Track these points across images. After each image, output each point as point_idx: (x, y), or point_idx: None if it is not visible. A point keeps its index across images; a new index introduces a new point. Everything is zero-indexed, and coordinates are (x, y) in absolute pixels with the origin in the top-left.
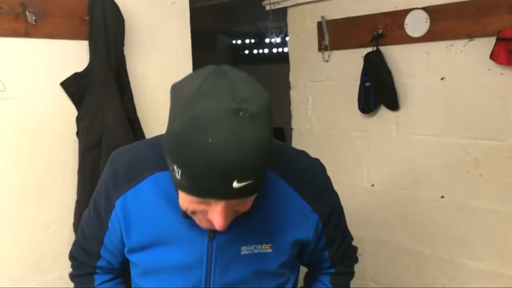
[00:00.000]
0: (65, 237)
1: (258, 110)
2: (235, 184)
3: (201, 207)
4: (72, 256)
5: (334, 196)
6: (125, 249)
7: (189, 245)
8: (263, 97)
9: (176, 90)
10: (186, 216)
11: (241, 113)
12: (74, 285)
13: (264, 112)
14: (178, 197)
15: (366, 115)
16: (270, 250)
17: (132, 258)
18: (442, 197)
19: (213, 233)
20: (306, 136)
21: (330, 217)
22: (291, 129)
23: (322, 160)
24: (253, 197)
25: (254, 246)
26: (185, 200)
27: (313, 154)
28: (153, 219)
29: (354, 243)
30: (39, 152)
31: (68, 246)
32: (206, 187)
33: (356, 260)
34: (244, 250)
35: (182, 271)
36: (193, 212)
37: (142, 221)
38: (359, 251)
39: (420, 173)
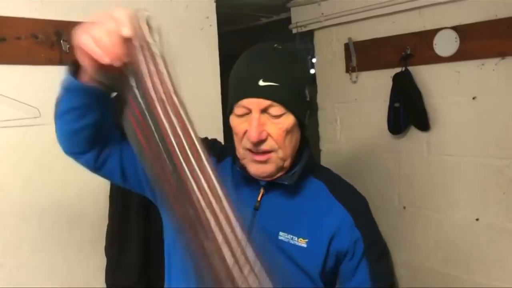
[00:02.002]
0: (97, 261)
1: (292, 51)
2: (261, 82)
3: (245, 123)
4: None
5: (380, 234)
6: None
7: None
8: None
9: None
10: (243, 169)
11: (275, 45)
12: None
13: (298, 57)
14: (238, 168)
15: (396, 136)
16: (306, 246)
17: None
18: (477, 219)
19: (259, 203)
20: (334, 158)
21: (373, 244)
22: (319, 150)
23: (351, 182)
24: (281, 117)
25: (291, 236)
26: (235, 118)
27: (342, 176)
28: None
29: None
30: (73, 177)
31: (100, 270)
32: (242, 89)
33: None
34: (282, 236)
35: None
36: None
37: None
38: None
39: (453, 195)
